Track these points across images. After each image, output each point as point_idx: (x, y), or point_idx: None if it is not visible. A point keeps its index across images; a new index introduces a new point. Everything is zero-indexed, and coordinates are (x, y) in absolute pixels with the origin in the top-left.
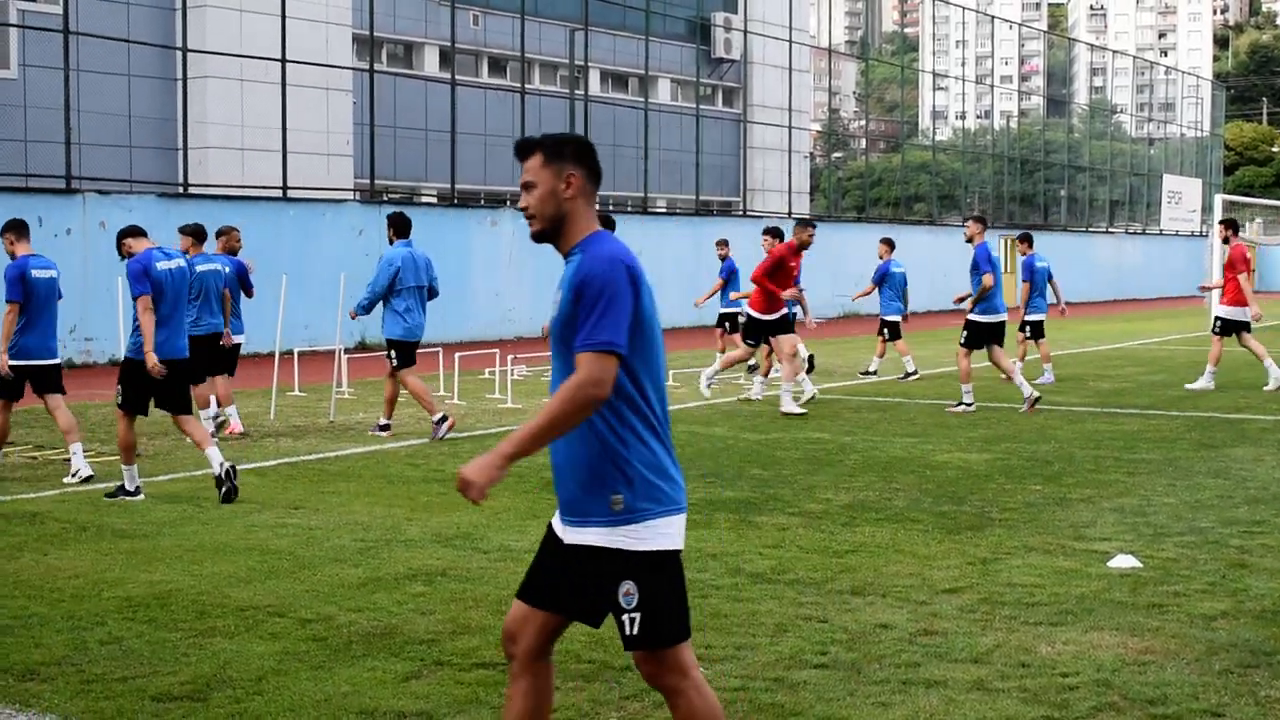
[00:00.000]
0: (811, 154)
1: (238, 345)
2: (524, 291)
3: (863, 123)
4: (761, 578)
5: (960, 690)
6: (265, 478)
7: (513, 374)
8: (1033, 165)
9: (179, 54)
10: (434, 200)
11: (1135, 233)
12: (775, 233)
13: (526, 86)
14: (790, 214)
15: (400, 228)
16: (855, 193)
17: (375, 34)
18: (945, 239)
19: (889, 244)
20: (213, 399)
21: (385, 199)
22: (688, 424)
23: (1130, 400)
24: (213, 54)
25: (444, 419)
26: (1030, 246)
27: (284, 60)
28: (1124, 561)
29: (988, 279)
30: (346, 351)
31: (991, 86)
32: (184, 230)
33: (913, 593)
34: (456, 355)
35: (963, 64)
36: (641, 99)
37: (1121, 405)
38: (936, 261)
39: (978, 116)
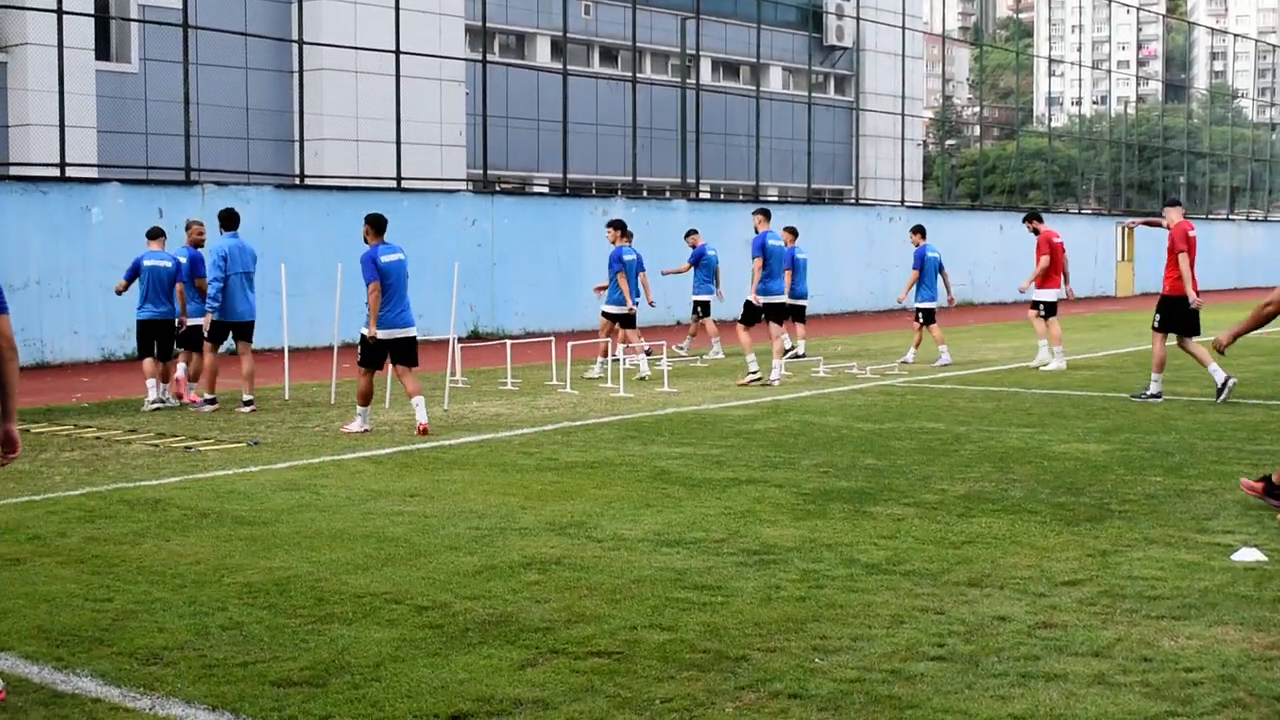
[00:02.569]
0: (924, 142)
1: (198, 326)
2: None
3: (976, 110)
4: (876, 569)
5: (1081, 684)
6: (382, 465)
7: (624, 363)
8: (1151, 152)
9: (295, 47)
10: (545, 190)
11: (1257, 220)
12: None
13: (638, 76)
14: (903, 201)
15: (226, 222)
16: (969, 180)
17: (488, 25)
18: (1061, 227)
19: (920, 231)
20: (150, 384)
21: (498, 189)
22: (800, 413)
23: (1253, 391)
24: (328, 46)
25: (213, 400)
26: (923, 238)
27: (398, 52)
28: (1249, 555)
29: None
30: (460, 341)
31: (1109, 72)
32: (148, 233)
33: (1031, 585)
34: (569, 344)
35: (1079, 49)
36: (753, 87)
37: (1244, 396)
38: None
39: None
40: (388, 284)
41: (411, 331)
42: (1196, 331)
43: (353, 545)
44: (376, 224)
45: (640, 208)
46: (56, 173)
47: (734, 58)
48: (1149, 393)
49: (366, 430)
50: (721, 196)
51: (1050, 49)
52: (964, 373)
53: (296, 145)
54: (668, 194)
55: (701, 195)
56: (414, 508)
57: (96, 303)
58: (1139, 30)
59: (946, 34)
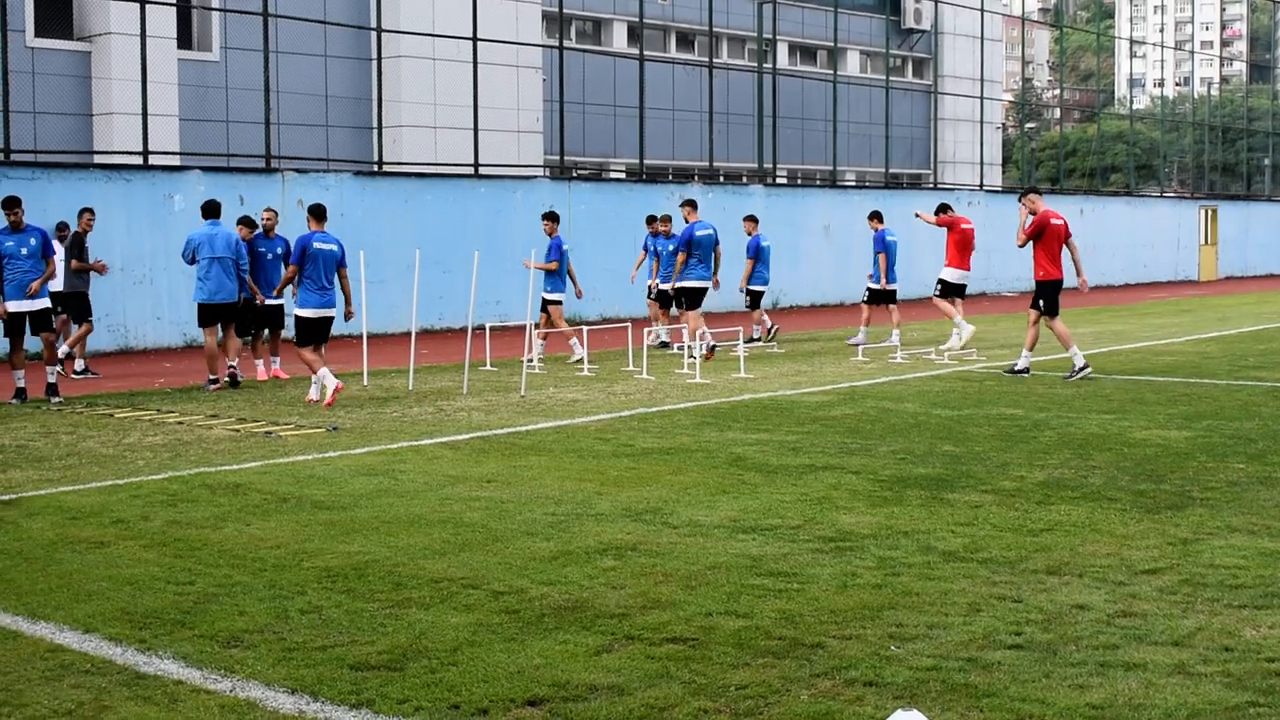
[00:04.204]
0: (1003, 125)
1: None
2: None
3: (1056, 92)
4: (954, 556)
5: (1161, 674)
6: (459, 451)
7: (700, 349)
8: (1235, 133)
9: (373, 34)
10: (622, 175)
11: None
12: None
13: (714, 61)
14: (982, 185)
15: (206, 212)
16: (1049, 164)
17: (564, 11)
18: (1143, 210)
19: (878, 217)
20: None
21: (574, 175)
22: (877, 399)
23: None
24: (406, 34)
25: (215, 381)
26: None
27: (475, 39)
28: None
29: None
30: (536, 327)
31: (1191, 53)
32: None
33: (1110, 573)
34: (645, 330)
35: (1160, 30)
36: (830, 72)
37: None
38: (1136, 234)
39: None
40: (314, 268)
41: (331, 313)
42: (1056, 312)
43: (430, 530)
44: (316, 213)
45: (716, 193)
46: (140, 160)
47: (811, 41)
48: (1079, 366)
49: (313, 400)
50: (799, 181)
51: (1132, 30)
52: (1043, 358)
53: (375, 132)
54: (744, 179)
55: (778, 180)
56: (491, 493)
57: (179, 289)
58: (1223, 10)
59: (1026, 16)
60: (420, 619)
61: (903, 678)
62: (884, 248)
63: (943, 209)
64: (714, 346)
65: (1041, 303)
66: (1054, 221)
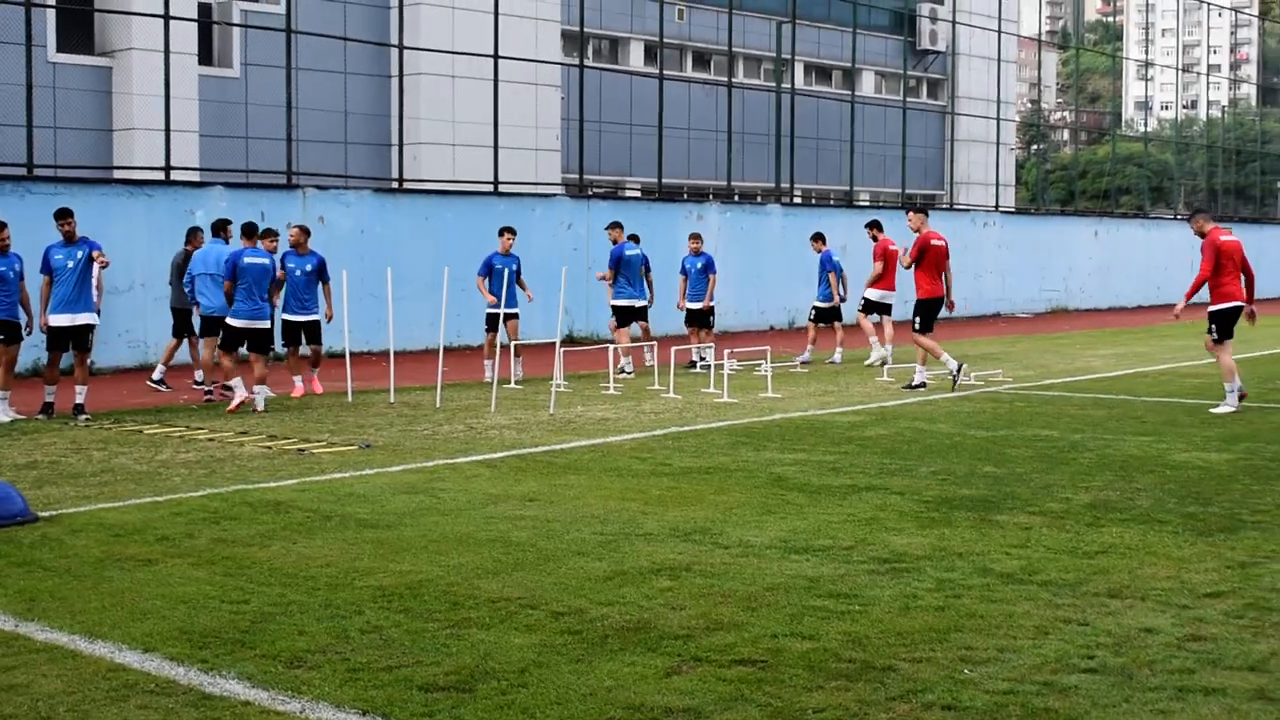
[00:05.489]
0: (1014, 146)
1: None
2: (730, 285)
3: (1062, 114)
4: (1012, 578)
5: (1241, 699)
6: (496, 469)
7: (726, 368)
8: (1246, 156)
9: (392, 51)
10: (637, 194)
11: None
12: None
13: (733, 81)
14: (998, 206)
15: (215, 229)
16: (1059, 185)
17: (583, 30)
18: (1157, 232)
19: (820, 238)
20: None
21: (590, 193)
22: (910, 420)
23: None
24: (427, 51)
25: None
26: (824, 244)
27: (496, 56)
28: None
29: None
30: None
31: (1199, 75)
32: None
33: (1173, 596)
34: (673, 349)
35: (1174, 52)
36: (846, 92)
37: None
38: (1150, 256)
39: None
40: (245, 281)
41: (264, 324)
42: (930, 329)
43: (479, 549)
44: (246, 230)
45: (734, 212)
46: (161, 176)
47: (826, 62)
48: (915, 383)
49: (247, 400)
50: (813, 201)
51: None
52: (1071, 379)
53: (394, 149)
54: (758, 198)
55: (795, 200)
56: (535, 512)
57: None
58: (1232, 34)
59: (1038, 37)
60: (483, 639)
61: (981, 702)
62: (834, 267)
63: (875, 225)
64: (630, 373)
65: (918, 319)
66: (935, 243)
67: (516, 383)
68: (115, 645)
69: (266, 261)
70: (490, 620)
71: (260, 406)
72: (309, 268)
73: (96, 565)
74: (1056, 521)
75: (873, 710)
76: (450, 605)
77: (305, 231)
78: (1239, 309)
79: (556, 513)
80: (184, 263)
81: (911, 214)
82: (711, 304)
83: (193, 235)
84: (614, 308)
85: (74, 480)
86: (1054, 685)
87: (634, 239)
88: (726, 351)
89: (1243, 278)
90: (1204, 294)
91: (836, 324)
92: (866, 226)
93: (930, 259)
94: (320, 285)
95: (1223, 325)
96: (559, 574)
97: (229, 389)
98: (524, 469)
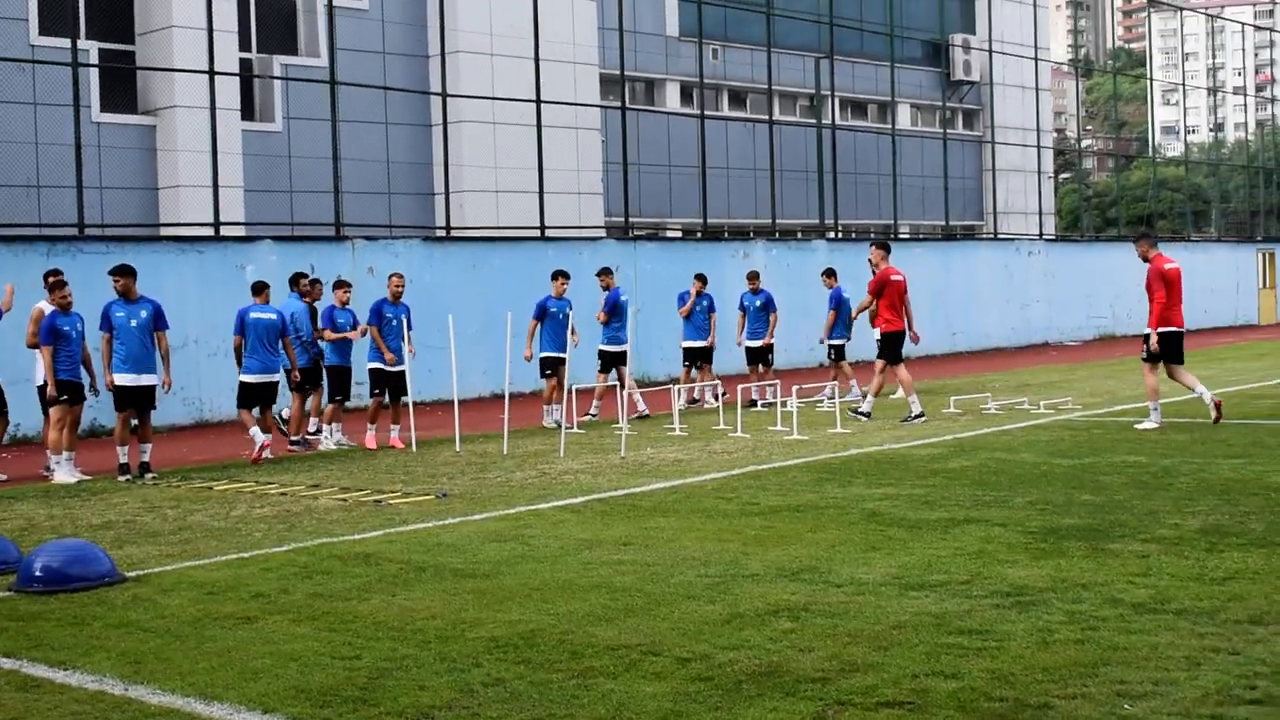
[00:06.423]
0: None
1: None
2: (779, 322)
3: (1090, 142)
4: (1144, 608)
5: None
6: (581, 514)
7: (786, 405)
8: None
9: (434, 100)
10: (678, 234)
11: None
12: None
13: (774, 118)
14: (1041, 234)
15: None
16: (1092, 211)
17: (617, 72)
18: (1201, 256)
19: (832, 274)
20: None
21: (631, 235)
22: (990, 450)
23: None
24: (470, 98)
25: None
26: (835, 280)
27: (539, 100)
28: None
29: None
30: (626, 387)
31: (1230, 94)
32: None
33: None
34: (739, 387)
35: (1217, 73)
36: (883, 125)
37: None
38: (1195, 279)
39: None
40: (253, 337)
41: (274, 377)
42: (898, 360)
43: (585, 596)
44: (255, 288)
45: (779, 249)
46: (210, 232)
47: (861, 96)
48: (913, 414)
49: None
50: (854, 236)
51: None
52: (1141, 404)
53: (440, 198)
54: (799, 235)
55: (839, 235)
56: (633, 556)
57: None
58: (1256, 55)
59: (1071, 64)
60: (612, 689)
61: None
62: (843, 304)
63: (829, 273)
64: (594, 416)
65: (884, 352)
66: (894, 278)
67: (577, 426)
68: (232, 707)
69: (274, 316)
70: (615, 669)
71: (267, 454)
72: (404, 316)
73: (195, 624)
74: (1173, 548)
75: None
76: (570, 655)
77: (402, 280)
78: (1178, 334)
79: (654, 556)
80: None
81: (874, 249)
82: (771, 341)
83: (312, 287)
84: (602, 352)
85: (153, 539)
86: (1223, 718)
87: (700, 278)
88: (795, 387)
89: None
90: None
91: (842, 362)
92: (824, 273)
93: (890, 294)
94: (406, 333)
95: (1165, 348)
96: (673, 619)
97: (300, 441)
98: (609, 513)
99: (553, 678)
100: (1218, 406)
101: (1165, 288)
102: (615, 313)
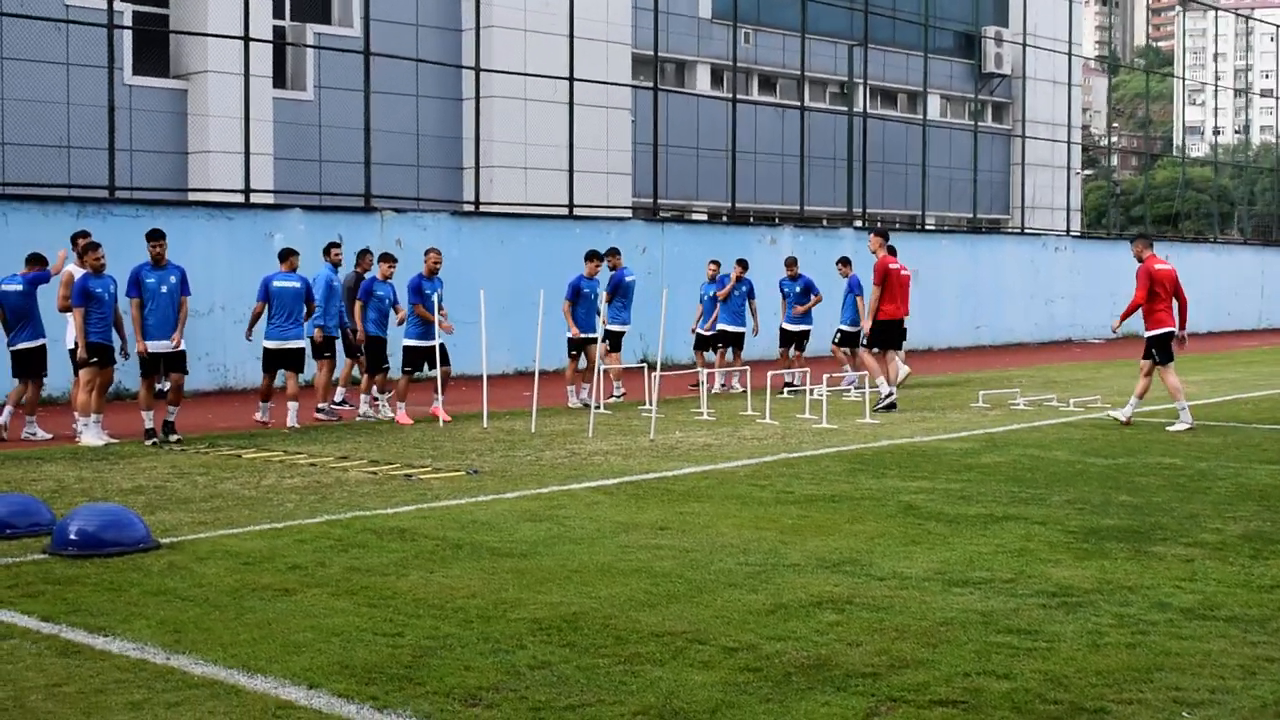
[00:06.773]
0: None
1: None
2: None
3: (1116, 138)
4: (1193, 614)
5: None
6: (614, 496)
7: (813, 393)
8: None
9: (464, 74)
10: (704, 217)
11: None
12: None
13: (805, 104)
14: (1069, 230)
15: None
16: (1118, 209)
17: (654, 53)
18: (1226, 257)
19: (847, 262)
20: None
21: (661, 216)
22: (1022, 447)
23: None
24: (502, 73)
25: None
26: (850, 268)
27: (571, 79)
28: None
29: None
30: (652, 370)
31: (1258, 95)
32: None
33: None
34: (769, 374)
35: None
36: (914, 115)
37: None
38: (1220, 281)
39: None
40: (277, 305)
41: (297, 344)
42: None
43: (626, 580)
44: (282, 255)
45: (807, 236)
46: (240, 199)
47: (892, 85)
48: (889, 399)
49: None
50: (879, 224)
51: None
52: (1171, 405)
53: (470, 172)
54: (824, 222)
55: (867, 224)
56: (670, 541)
57: None
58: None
59: (1100, 60)
60: (660, 676)
61: None
62: (861, 291)
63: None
64: (623, 394)
65: (874, 339)
66: (893, 267)
67: (606, 406)
68: (277, 680)
69: (298, 284)
70: (662, 656)
71: (293, 422)
72: (440, 290)
73: (234, 595)
74: (1216, 554)
75: None
76: (615, 640)
77: (439, 255)
78: (1171, 334)
79: (692, 542)
80: (355, 285)
81: (873, 237)
82: (808, 327)
83: (361, 258)
84: (608, 332)
85: (185, 506)
86: None
87: (741, 264)
88: (826, 376)
89: (1175, 304)
90: (1139, 322)
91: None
92: (838, 262)
93: (892, 283)
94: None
95: (1162, 349)
96: (716, 607)
97: (326, 410)
98: (642, 496)
99: (599, 663)
100: (1128, 422)
101: (1149, 287)
102: (619, 292)
